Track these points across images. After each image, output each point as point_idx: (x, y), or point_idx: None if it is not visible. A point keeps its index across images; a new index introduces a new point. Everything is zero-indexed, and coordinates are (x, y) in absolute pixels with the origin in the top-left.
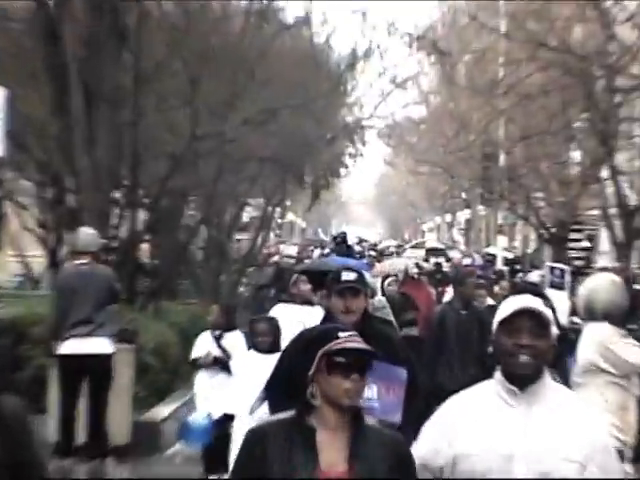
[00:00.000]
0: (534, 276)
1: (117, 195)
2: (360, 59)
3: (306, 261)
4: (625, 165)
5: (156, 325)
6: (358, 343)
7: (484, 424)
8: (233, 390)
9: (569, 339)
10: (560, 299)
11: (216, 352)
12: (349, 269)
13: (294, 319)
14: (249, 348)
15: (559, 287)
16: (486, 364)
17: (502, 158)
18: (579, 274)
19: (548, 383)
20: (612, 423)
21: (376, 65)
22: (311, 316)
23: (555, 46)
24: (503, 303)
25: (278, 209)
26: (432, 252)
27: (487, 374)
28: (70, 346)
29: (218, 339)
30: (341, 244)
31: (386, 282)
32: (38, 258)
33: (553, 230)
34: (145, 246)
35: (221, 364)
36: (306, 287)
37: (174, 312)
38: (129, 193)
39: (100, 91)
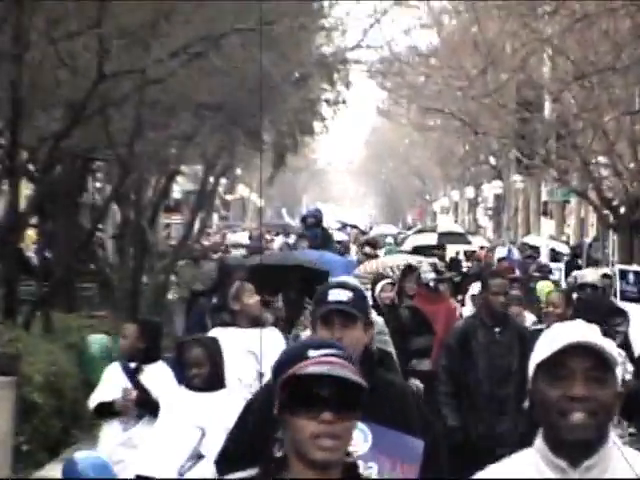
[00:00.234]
0: (592, 275)
1: None
2: None
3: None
4: None
5: (46, 347)
6: (332, 366)
7: None
8: (153, 444)
9: None
10: (636, 316)
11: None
12: (341, 286)
13: (240, 348)
14: (179, 384)
15: (634, 299)
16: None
17: (547, 107)
18: None
19: (614, 453)
20: None
21: None
22: (266, 344)
23: None
24: (544, 334)
25: (223, 180)
26: (447, 238)
27: (533, 425)
28: None
29: (133, 374)
30: (313, 227)
31: (377, 287)
32: None
33: (621, 210)
34: (31, 233)
35: (147, 408)
36: (252, 300)
37: (73, 329)
38: (7, 157)
39: None
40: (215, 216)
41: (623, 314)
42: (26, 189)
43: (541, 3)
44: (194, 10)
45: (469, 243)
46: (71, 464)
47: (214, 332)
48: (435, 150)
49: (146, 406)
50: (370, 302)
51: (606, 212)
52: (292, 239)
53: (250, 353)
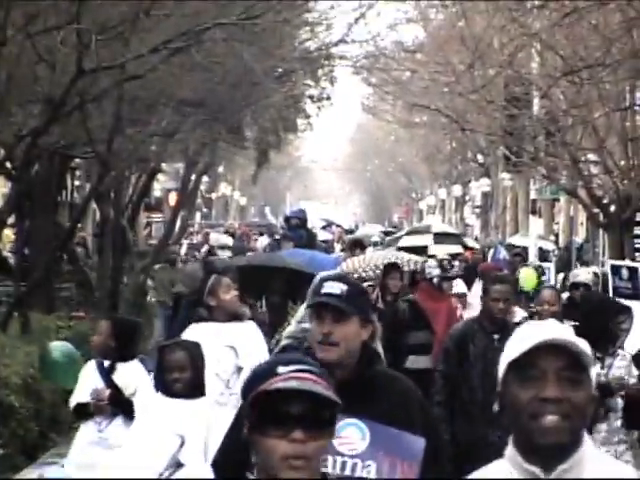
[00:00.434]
0: (584, 274)
1: None
2: None
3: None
4: None
5: (24, 349)
6: (301, 381)
7: None
8: (130, 451)
9: None
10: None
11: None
12: (338, 278)
13: (217, 343)
14: (157, 390)
15: (628, 295)
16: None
17: (536, 103)
18: None
19: (589, 456)
20: None
21: None
22: (245, 337)
23: None
24: (515, 333)
25: (205, 178)
26: (443, 239)
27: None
28: None
29: (107, 373)
30: (297, 228)
31: None
32: None
33: (612, 209)
34: (8, 232)
35: (119, 407)
36: (229, 295)
37: (51, 330)
38: None
39: None
40: (198, 215)
41: (627, 311)
42: (3, 187)
43: None
44: (175, 5)
45: (465, 244)
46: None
47: (191, 328)
48: (421, 147)
49: (118, 405)
50: None
51: (596, 210)
52: (277, 238)
53: (228, 347)
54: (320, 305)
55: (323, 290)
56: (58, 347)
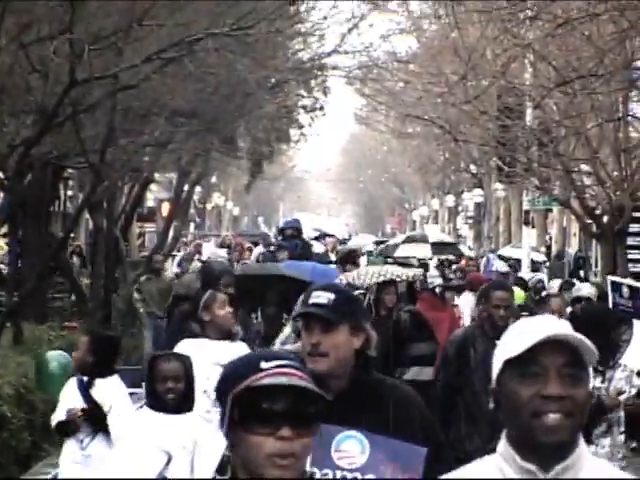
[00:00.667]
0: (587, 288)
1: None
2: None
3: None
4: None
5: (17, 359)
6: (289, 377)
7: None
8: (115, 468)
9: None
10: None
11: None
12: (325, 288)
13: (207, 360)
14: (147, 403)
15: (628, 314)
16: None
17: (529, 113)
18: None
19: (585, 456)
20: None
21: None
22: (234, 357)
23: None
24: (510, 328)
25: (198, 189)
26: (440, 249)
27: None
28: None
29: (86, 389)
30: (292, 238)
31: None
32: None
33: (604, 219)
34: (0, 242)
35: (94, 423)
36: (223, 312)
37: (44, 340)
38: None
39: None
40: (192, 225)
41: (628, 322)
42: None
43: (522, 7)
44: (168, 15)
45: (461, 254)
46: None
47: (182, 343)
48: (414, 158)
49: (95, 422)
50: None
51: (589, 221)
52: (271, 249)
53: (217, 366)
54: (307, 316)
55: (310, 300)
56: (55, 357)
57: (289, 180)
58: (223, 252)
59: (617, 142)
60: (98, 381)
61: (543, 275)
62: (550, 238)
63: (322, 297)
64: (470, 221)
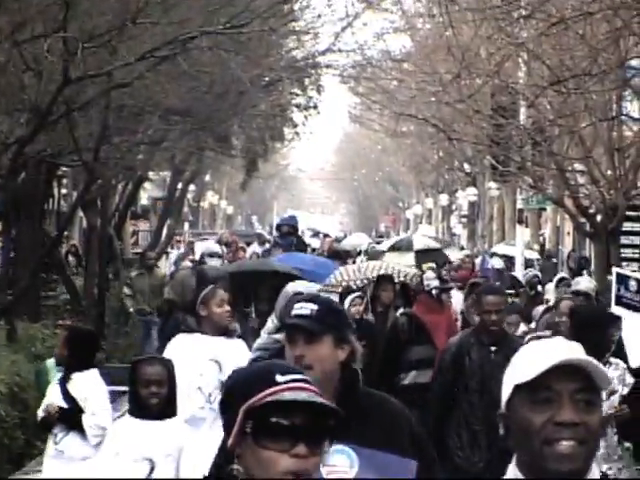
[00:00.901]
0: (586, 283)
1: None
2: None
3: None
4: None
5: (10, 357)
6: (308, 393)
7: None
8: (97, 477)
9: None
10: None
11: (60, 403)
12: (307, 299)
13: (202, 356)
14: (131, 412)
15: (633, 307)
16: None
17: (523, 112)
18: None
19: None
20: None
21: None
22: (231, 354)
23: None
24: (521, 351)
25: (192, 187)
26: (424, 257)
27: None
28: None
29: (63, 383)
30: (288, 236)
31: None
32: None
33: (598, 219)
34: None
35: (67, 420)
36: (220, 309)
37: (37, 339)
38: None
39: None
40: (186, 224)
41: (618, 320)
42: None
43: (516, 6)
44: (161, 13)
45: (447, 261)
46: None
47: (177, 338)
48: (408, 157)
49: (65, 419)
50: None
51: (582, 220)
52: (266, 247)
53: (212, 362)
54: (291, 327)
55: (293, 312)
56: (54, 365)
57: (283, 179)
58: (216, 247)
59: (611, 141)
60: (75, 375)
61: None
62: (544, 237)
63: (305, 308)
64: (464, 220)
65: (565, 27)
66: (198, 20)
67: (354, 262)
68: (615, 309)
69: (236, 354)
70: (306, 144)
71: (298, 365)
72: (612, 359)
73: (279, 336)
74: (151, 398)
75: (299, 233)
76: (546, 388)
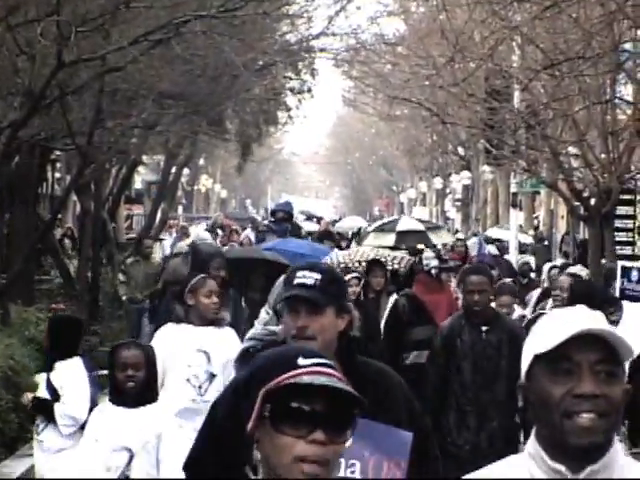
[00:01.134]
0: (578, 268)
1: None
2: None
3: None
4: None
5: (4, 341)
6: (329, 378)
7: None
8: (75, 467)
9: None
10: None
11: (43, 392)
12: (310, 267)
13: (190, 346)
14: (110, 399)
15: (636, 298)
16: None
17: (517, 96)
18: None
19: (618, 458)
20: None
21: None
22: (219, 343)
23: None
24: (541, 321)
25: (186, 171)
26: (406, 237)
27: (518, 430)
28: None
29: (48, 371)
30: (283, 222)
31: None
32: None
33: (592, 202)
34: None
35: (43, 412)
36: (208, 300)
37: (31, 322)
38: None
39: None
40: (179, 208)
41: (616, 302)
42: None
43: None
44: None
45: (430, 243)
46: None
47: (164, 329)
48: (402, 140)
49: (39, 409)
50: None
51: (576, 204)
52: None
53: (200, 352)
54: (293, 298)
55: (296, 281)
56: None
57: (277, 163)
58: (207, 234)
59: (604, 125)
60: (58, 364)
61: (530, 257)
62: (538, 220)
63: (308, 277)
64: (458, 204)
65: (559, 11)
66: (192, 4)
67: (348, 245)
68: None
69: (225, 344)
70: (300, 128)
71: (300, 336)
72: None
73: (274, 327)
74: (127, 382)
75: (293, 218)
76: (566, 359)
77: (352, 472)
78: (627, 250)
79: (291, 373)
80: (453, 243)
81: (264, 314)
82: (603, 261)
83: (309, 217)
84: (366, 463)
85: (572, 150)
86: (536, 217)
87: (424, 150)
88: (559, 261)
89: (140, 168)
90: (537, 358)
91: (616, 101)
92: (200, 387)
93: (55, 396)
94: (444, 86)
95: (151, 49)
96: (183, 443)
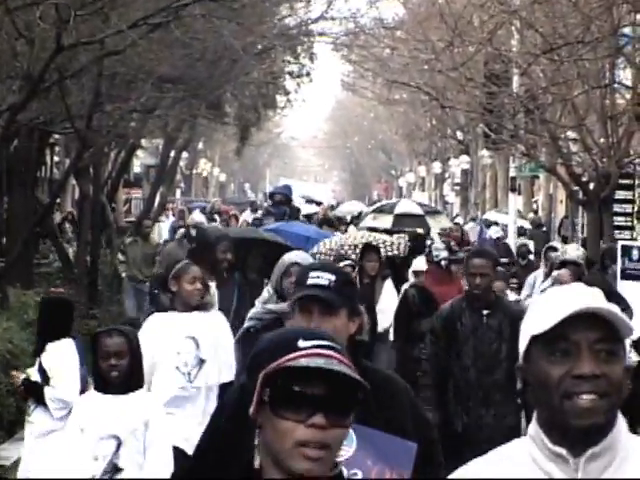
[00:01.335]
0: (573, 251)
1: None
2: None
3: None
4: None
5: (2, 325)
6: (328, 360)
7: None
8: (61, 456)
9: None
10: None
11: (35, 376)
12: (323, 268)
13: (177, 334)
14: (95, 387)
15: (637, 277)
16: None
17: (516, 80)
18: None
19: (624, 438)
20: None
21: None
22: (207, 328)
23: None
24: (539, 299)
25: (185, 155)
26: (403, 221)
27: (519, 413)
28: None
29: (38, 354)
30: (281, 204)
31: None
32: None
33: (591, 187)
34: None
35: (33, 394)
36: (191, 287)
37: (30, 306)
38: None
39: None
40: (178, 191)
41: (621, 299)
42: None
43: None
44: None
45: (426, 227)
46: None
47: (152, 317)
48: (401, 124)
49: (31, 392)
50: None
51: (575, 188)
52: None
53: (188, 338)
54: (307, 298)
55: (309, 281)
56: None
57: (276, 147)
58: (202, 217)
59: (603, 109)
60: (49, 346)
61: (529, 241)
62: (537, 204)
63: (322, 278)
64: (457, 188)
65: None
66: None
67: (346, 230)
68: (621, 283)
69: (213, 328)
70: (299, 112)
71: None
72: None
73: (272, 306)
74: (111, 371)
75: (292, 201)
76: (563, 339)
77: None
78: (626, 234)
79: (290, 356)
80: (449, 229)
81: (265, 293)
82: (603, 245)
83: (309, 201)
84: (369, 472)
85: (571, 134)
86: (535, 201)
87: (423, 134)
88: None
89: (139, 152)
90: (534, 339)
91: (615, 85)
92: (189, 374)
93: (45, 378)
94: (443, 70)
95: (150, 33)
96: (170, 429)
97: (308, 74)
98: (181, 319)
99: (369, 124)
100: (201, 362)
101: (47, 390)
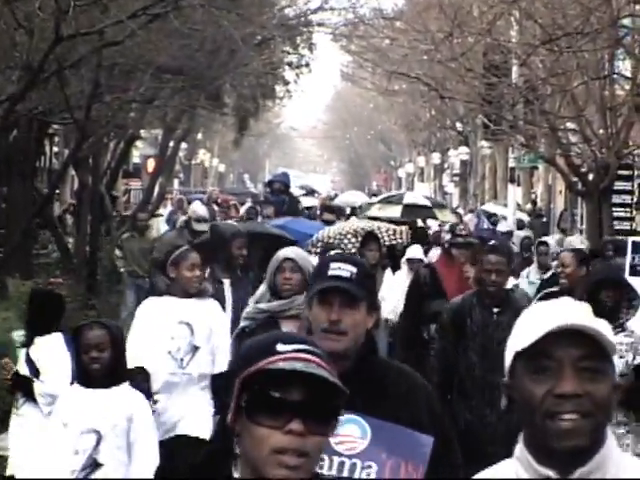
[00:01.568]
0: (577, 242)
1: None
2: None
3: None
4: None
5: (2, 315)
6: (306, 363)
7: None
8: (40, 450)
9: None
10: None
11: (23, 368)
12: (344, 259)
13: (172, 320)
14: (76, 378)
15: None
16: None
17: (515, 71)
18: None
19: (613, 457)
20: None
21: None
22: (203, 315)
23: None
24: (524, 314)
25: (184, 145)
26: (412, 211)
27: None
28: None
29: (27, 347)
30: (279, 193)
31: None
32: None
33: (590, 177)
34: None
35: (22, 388)
36: (190, 274)
37: (28, 296)
38: None
39: None
40: (176, 182)
41: (631, 289)
42: None
43: None
44: None
45: (434, 217)
46: None
47: (146, 302)
48: (400, 115)
49: (19, 386)
50: None
51: (574, 179)
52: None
53: (183, 324)
54: (328, 290)
55: (330, 272)
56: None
57: (275, 137)
58: (204, 210)
59: (603, 100)
60: (38, 339)
61: (530, 233)
62: (536, 195)
63: (344, 270)
64: (456, 179)
65: None
66: None
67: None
68: (630, 279)
69: (208, 315)
70: (298, 102)
71: (332, 329)
72: (629, 324)
73: (264, 305)
74: (92, 364)
75: (290, 191)
76: (546, 356)
77: (368, 474)
78: (625, 225)
79: (267, 360)
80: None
81: (261, 290)
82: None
83: (309, 192)
84: (383, 465)
85: (570, 125)
86: (534, 192)
87: (422, 125)
88: (556, 236)
89: (138, 142)
90: (518, 355)
91: (614, 76)
92: (182, 360)
93: (34, 371)
94: (442, 61)
95: (149, 23)
96: (154, 424)
97: (307, 64)
98: (177, 304)
99: (368, 114)
100: (195, 349)
101: (36, 385)
